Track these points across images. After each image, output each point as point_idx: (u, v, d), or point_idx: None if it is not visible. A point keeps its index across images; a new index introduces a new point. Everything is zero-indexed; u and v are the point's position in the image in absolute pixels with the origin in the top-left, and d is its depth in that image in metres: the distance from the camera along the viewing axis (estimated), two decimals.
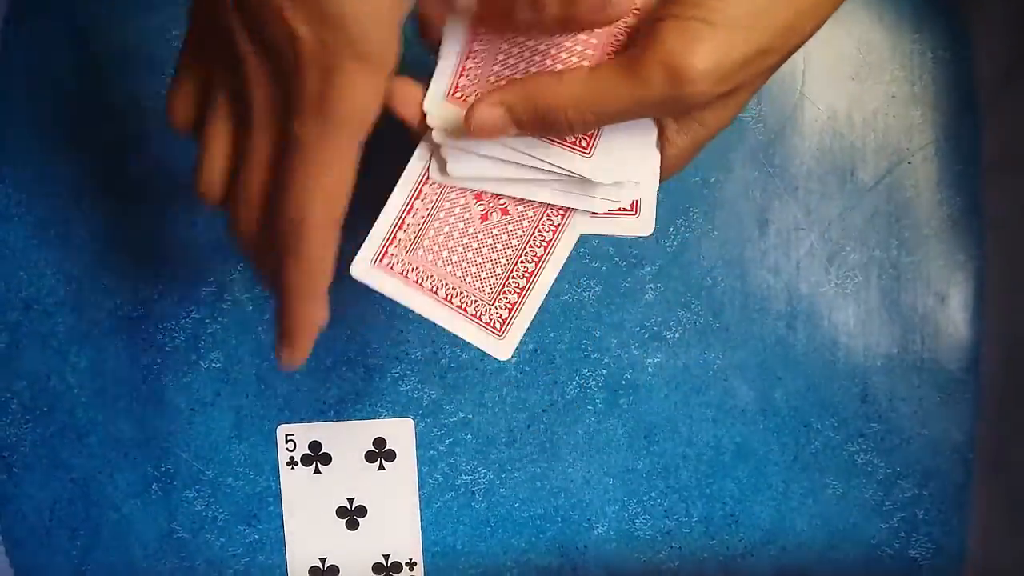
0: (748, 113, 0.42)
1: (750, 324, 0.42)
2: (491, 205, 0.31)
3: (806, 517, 0.43)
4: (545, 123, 0.28)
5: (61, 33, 0.41)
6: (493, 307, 0.31)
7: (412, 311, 0.32)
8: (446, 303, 0.32)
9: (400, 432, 0.42)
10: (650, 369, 0.42)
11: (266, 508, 0.42)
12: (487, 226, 0.31)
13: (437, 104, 0.30)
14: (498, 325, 0.31)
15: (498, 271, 0.31)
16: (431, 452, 0.42)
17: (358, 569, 0.42)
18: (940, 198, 0.42)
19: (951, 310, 0.42)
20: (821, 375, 0.42)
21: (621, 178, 0.30)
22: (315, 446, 0.42)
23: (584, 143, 0.29)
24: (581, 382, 0.42)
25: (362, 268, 0.32)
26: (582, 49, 0.29)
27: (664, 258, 0.42)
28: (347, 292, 0.41)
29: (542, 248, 0.31)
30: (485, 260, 0.31)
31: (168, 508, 0.42)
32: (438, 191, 0.31)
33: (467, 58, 0.30)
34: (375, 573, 0.42)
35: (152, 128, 0.41)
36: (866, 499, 0.43)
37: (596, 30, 0.29)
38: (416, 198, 0.31)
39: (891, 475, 0.43)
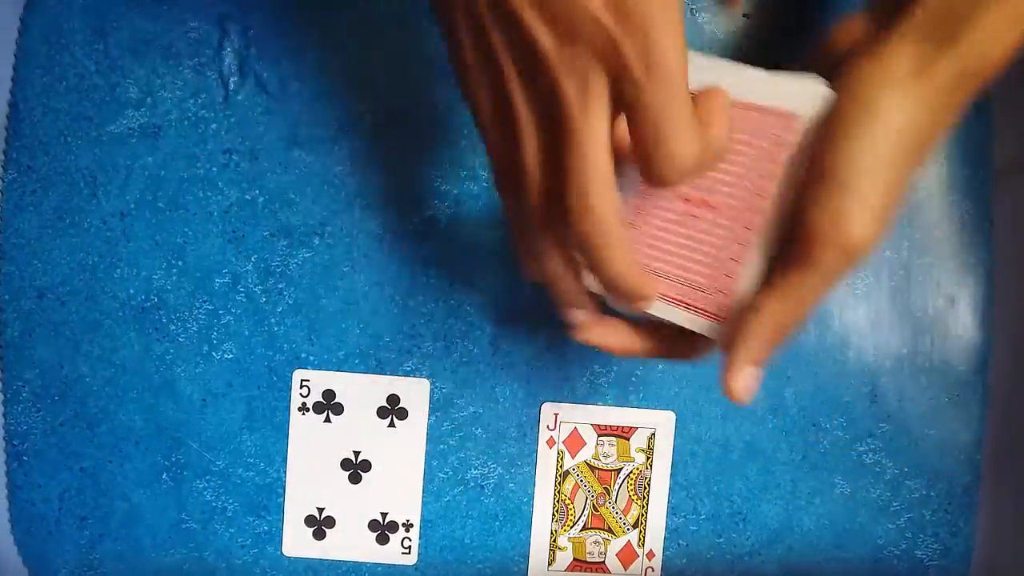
0: None
1: None
2: (697, 198, 0.32)
3: (814, 516, 0.43)
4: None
5: (79, 22, 0.41)
6: (711, 295, 0.32)
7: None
8: (668, 300, 0.33)
9: (415, 392, 0.42)
10: (660, 366, 0.42)
11: (276, 500, 0.42)
12: (696, 220, 0.32)
13: None
14: (719, 311, 0.32)
15: (709, 260, 0.32)
16: (441, 446, 0.42)
17: (354, 523, 0.42)
18: (951, 200, 0.42)
19: (961, 312, 0.42)
20: (831, 375, 0.42)
21: None
22: (329, 395, 0.42)
23: (723, 315, 0.31)
24: (591, 379, 0.42)
25: (591, 281, 0.33)
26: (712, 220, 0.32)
27: None
28: (357, 285, 0.41)
29: (749, 230, 0.31)
30: (695, 252, 0.32)
31: (178, 498, 0.42)
32: (645, 201, 0.33)
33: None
34: (371, 530, 0.42)
35: (168, 118, 0.41)
36: (874, 499, 0.43)
37: (732, 200, 0.31)
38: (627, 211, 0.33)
39: (899, 475, 0.43)
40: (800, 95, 0.30)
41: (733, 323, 0.31)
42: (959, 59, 0.28)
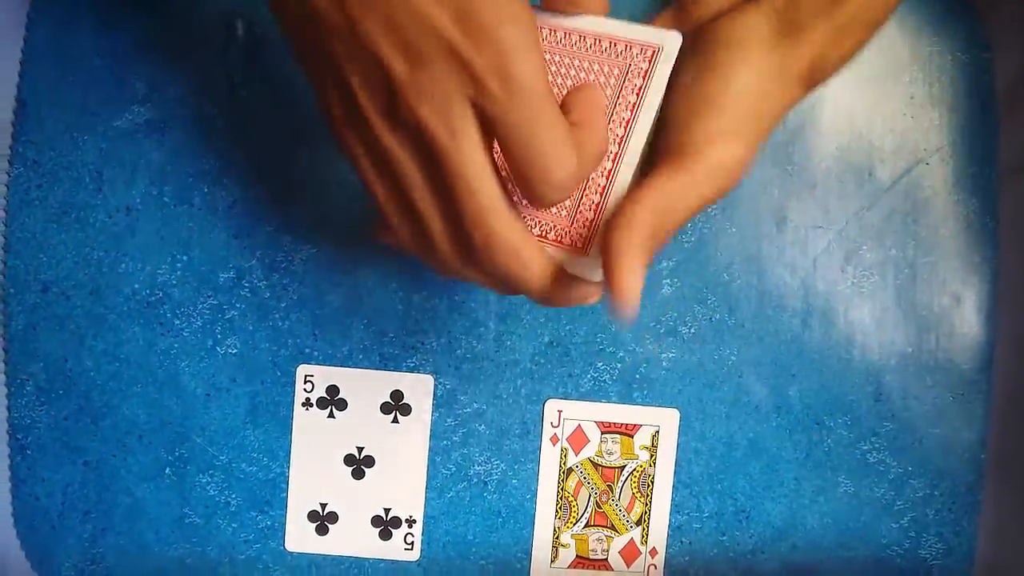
0: None
1: (766, 321, 0.42)
2: None
3: (817, 515, 0.43)
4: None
5: (86, 17, 0.41)
6: (572, 229, 0.31)
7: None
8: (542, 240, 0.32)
9: (418, 387, 0.42)
10: (664, 364, 0.42)
11: (279, 495, 0.42)
12: None
13: None
14: (580, 244, 0.31)
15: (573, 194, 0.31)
16: (444, 442, 0.42)
17: (357, 519, 0.42)
18: (956, 199, 0.42)
19: (966, 310, 0.42)
20: (835, 373, 0.42)
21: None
22: (333, 390, 0.42)
23: (581, 245, 0.31)
24: (595, 375, 0.42)
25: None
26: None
27: (681, 253, 0.42)
28: (362, 281, 0.42)
29: (610, 162, 0.31)
30: None
31: (181, 493, 0.42)
32: None
33: None
34: (374, 526, 0.42)
35: (174, 113, 0.41)
36: (877, 498, 0.43)
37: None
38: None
39: (903, 474, 0.43)
40: (657, 34, 0.31)
41: (608, 224, 0.29)
42: (802, 53, 0.30)
